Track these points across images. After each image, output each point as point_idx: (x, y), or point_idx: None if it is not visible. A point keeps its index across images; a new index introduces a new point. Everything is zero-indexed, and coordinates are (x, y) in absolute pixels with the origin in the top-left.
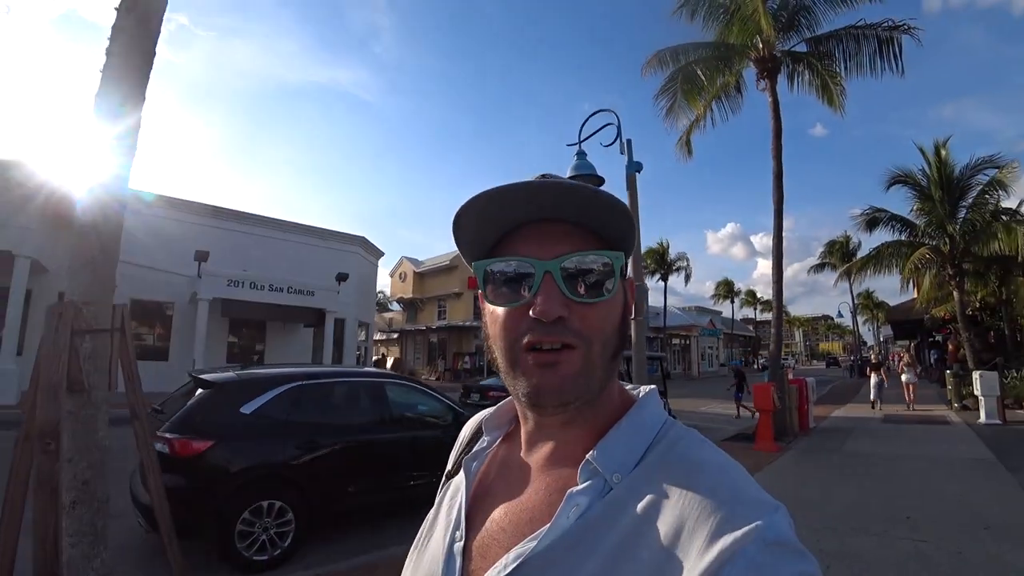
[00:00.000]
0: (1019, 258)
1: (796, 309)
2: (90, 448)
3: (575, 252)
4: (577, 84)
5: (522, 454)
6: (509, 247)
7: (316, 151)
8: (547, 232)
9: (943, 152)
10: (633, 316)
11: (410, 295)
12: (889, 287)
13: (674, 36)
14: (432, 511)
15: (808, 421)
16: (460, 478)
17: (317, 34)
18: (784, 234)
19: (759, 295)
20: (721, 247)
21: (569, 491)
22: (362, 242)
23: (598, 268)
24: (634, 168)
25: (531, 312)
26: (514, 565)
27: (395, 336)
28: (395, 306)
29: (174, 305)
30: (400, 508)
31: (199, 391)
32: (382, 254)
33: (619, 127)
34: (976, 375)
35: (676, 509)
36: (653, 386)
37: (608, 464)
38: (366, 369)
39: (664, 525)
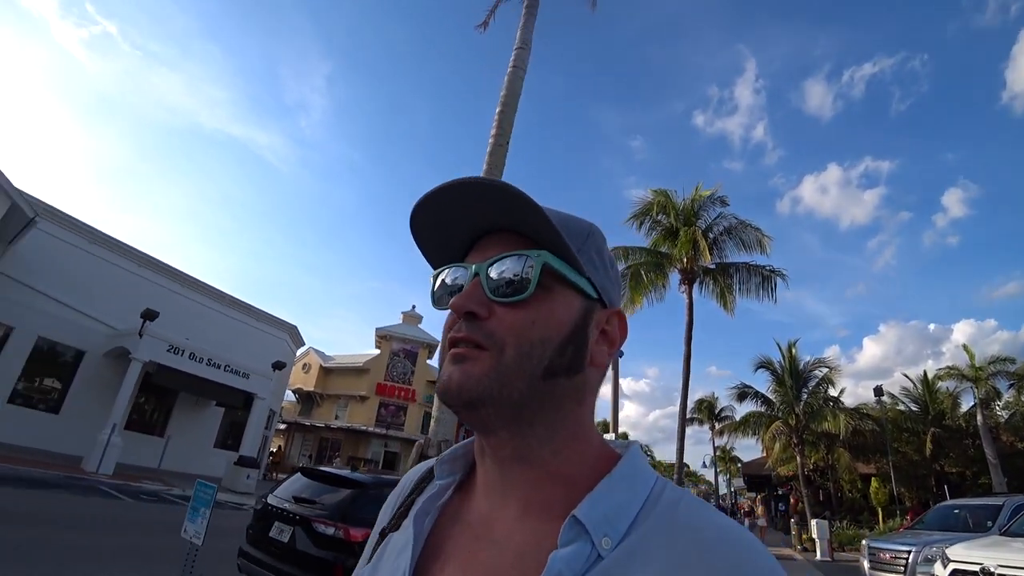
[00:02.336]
0: (840, 436)
1: (656, 454)
2: None
3: (500, 254)
4: None
5: (480, 504)
6: (469, 259)
7: (209, 202)
8: (491, 240)
9: (793, 351)
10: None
11: (311, 388)
12: (744, 443)
13: (590, 207)
14: (365, 569)
15: None
16: (405, 534)
17: (249, 92)
18: (648, 383)
19: (630, 437)
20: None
21: (552, 554)
22: (291, 330)
23: (518, 267)
24: (617, 355)
25: None
26: None
27: (282, 427)
28: (289, 395)
29: (84, 354)
30: None
31: (342, 488)
32: (303, 344)
33: None
34: (813, 523)
35: None
36: (636, 440)
37: (598, 523)
38: None
39: None
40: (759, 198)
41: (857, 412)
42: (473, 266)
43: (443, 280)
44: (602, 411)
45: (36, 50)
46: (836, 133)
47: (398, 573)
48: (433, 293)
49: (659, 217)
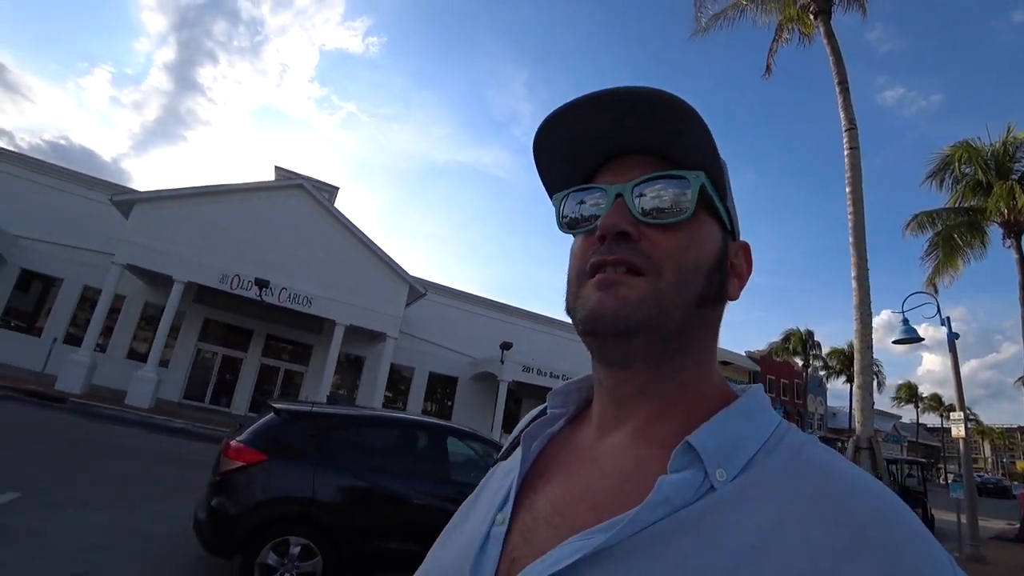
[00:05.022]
0: None
1: (982, 416)
2: None
3: (648, 174)
4: None
5: (591, 433)
6: (594, 181)
7: (456, 224)
8: (627, 162)
9: None
10: (742, 279)
11: None
12: None
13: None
14: (470, 497)
15: None
16: (514, 458)
17: (465, 120)
18: (955, 326)
19: (944, 399)
20: (876, 337)
21: (661, 478)
22: None
23: (671, 188)
24: (952, 336)
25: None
26: (570, 560)
27: None
28: None
29: (457, 380)
30: None
31: None
32: None
33: (939, 307)
34: None
35: (819, 538)
36: (758, 384)
37: (713, 453)
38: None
39: (799, 559)
40: None
41: None
42: (615, 187)
43: (575, 203)
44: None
45: (311, 143)
46: None
47: (503, 490)
48: (561, 216)
49: (965, 170)
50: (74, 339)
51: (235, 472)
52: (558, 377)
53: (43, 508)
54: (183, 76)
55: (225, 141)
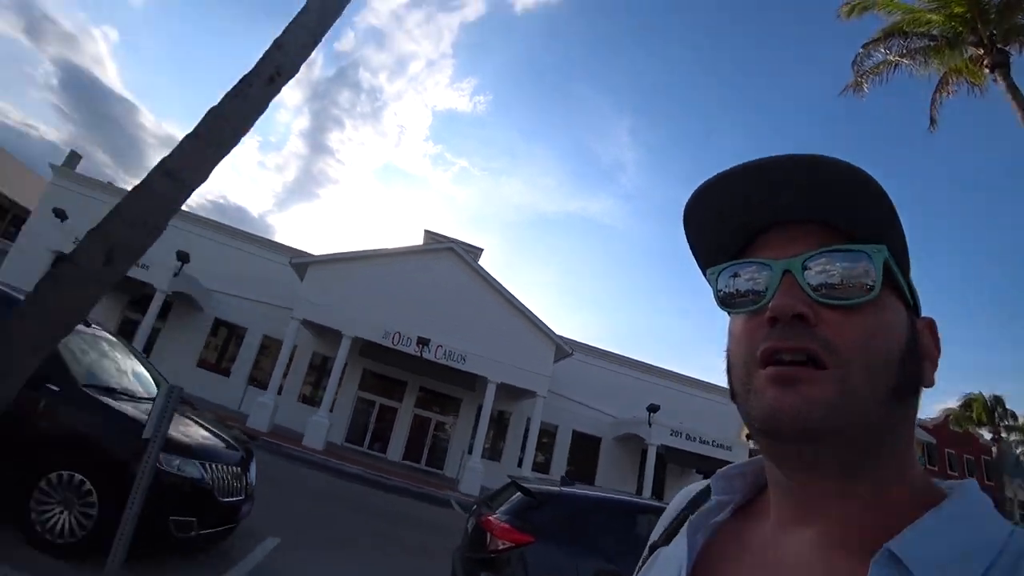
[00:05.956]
0: None
1: None
2: None
3: (821, 248)
4: None
5: (771, 532)
6: (749, 254)
7: (569, 273)
8: (791, 233)
9: None
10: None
11: None
12: None
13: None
14: None
15: None
16: (677, 548)
17: (571, 170)
18: None
19: None
20: None
21: None
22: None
23: (849, 264)
24: None
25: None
26: None
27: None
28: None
29: (600, 440)
30: None
31: None
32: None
33: None
34: None
35: None
36: (971, 479)
37: (925, 564)
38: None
39: None
40: None
41: None
42: (781, 262)
43: (730, 277)
44: None
45: (428, 198)
46: None
47: None
48: (719, 293)
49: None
50: (255, 381)
51: (505, 552)
52: (708, 443)
53: (303, 552)
54: (315, 141)
55: (352, 197)
